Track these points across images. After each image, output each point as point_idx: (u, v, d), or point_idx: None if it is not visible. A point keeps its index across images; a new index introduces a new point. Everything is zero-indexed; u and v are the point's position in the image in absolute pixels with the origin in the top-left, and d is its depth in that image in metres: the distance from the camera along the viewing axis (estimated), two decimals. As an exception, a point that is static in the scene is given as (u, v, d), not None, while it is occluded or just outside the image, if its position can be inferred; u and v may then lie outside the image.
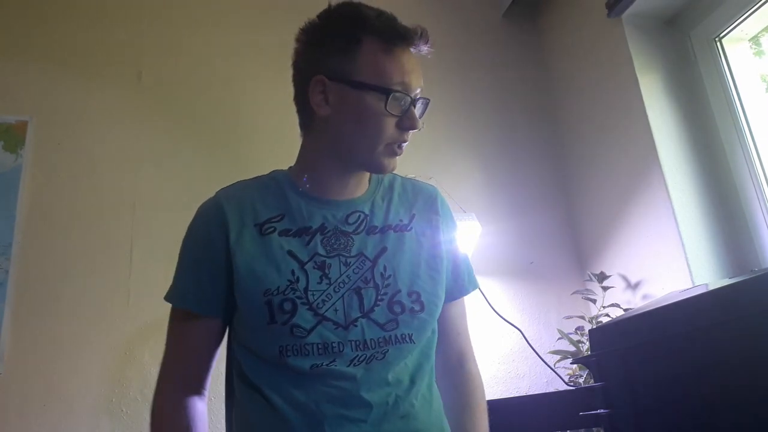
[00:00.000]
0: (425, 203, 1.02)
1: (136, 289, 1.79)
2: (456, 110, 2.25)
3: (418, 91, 0.91)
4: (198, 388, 0.93)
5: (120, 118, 1.98)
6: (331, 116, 0.90)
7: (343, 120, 0.90)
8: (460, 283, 1.03)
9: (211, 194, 1.00)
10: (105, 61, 2.04)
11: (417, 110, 0.92)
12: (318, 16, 0.93)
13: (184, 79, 2.08)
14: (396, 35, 0.88)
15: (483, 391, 1.03)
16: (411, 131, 0.91)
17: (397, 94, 0.87)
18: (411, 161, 2.06)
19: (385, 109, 0.87)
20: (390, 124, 0.88)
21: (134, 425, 1.67)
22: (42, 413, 1.63)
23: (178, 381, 0.92)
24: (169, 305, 0.96)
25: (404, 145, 0.92)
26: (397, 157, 0.93)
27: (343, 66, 0.88)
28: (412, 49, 0.90)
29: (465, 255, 1.07)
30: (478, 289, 1.76)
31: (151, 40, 2.10)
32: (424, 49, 0.92)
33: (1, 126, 1.87)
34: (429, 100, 0.93)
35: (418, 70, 0.90)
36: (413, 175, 2.04)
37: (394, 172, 1.04)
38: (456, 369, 1.02)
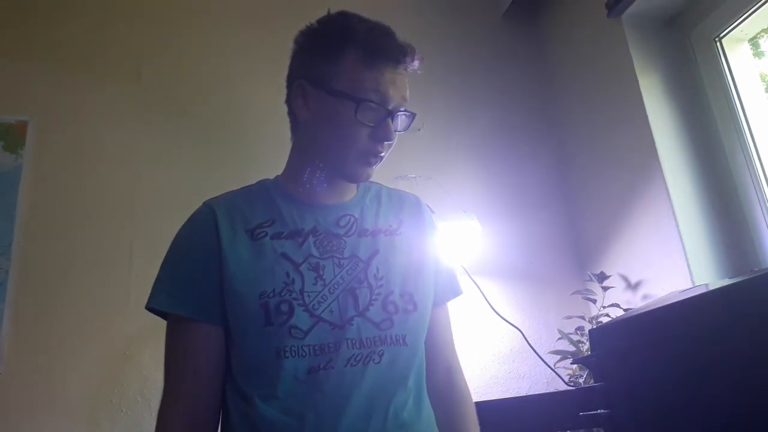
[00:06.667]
0: (411, 210, 1.04)
1: (136, 289, 1.79)
2: (456, 110, 2.25)
3: (398, 104, 0.92)
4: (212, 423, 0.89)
5: (120, 118, 1.98)
6: (309, 120, 0.94)
7: (318, 125, 0.93)
8: (443, 290, 1.04)
9: (211, 194, 1.00)
10: (105, 61, 2.04)
11: (399, 124, 0.93)
12: (317, 22, 0.96)
13: (184, 79, 2.08)
14: (379, 51, 0.90)
15: (472, 404, 1.03)
16: (386, 143, 0.92)
17: (371, 104, 0.89)
18: (412, 161, 2.06)
19: (356, 117, 0.88)
20: (362, 133, 0.90)
21: (134, 425, 1.67)
22: (42, 413, 1.63)
23: (188, 421, 0.87)
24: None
25: (381, 155, 0.93)
26: (372, 168, 0.94)
27: (324, 73, 0.91)
28: (400, 66, 0.91)
29: (447, 262, 1.08)
30: (478, 290, 1.80)
31: (151, 40, 2.10)
32: (413, 65, 0.93)
33: (1, 126, 1.87)
34: (414, 114, 0.94)
35: (399, 85, 0.91)
36: (414, 175, 2.06)
37: (381, 182, 1.07)
38: (444, 382, 1.02)
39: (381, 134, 0.90)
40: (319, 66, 0.92)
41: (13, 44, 1.98)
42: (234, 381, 0.88)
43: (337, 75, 0.90)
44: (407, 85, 0.94)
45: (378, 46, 0.90)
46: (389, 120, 0.90)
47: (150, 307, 0.91)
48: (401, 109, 0.92)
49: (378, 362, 0.86)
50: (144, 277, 1.78)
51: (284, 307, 0.85)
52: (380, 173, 0.98)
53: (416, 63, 0.94)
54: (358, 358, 0.85)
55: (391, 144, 0.93)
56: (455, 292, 1.07)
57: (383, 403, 0.85)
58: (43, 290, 1.75)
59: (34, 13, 2.04)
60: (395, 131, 0.92)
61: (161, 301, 0.90)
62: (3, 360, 1.66)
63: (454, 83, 2.28)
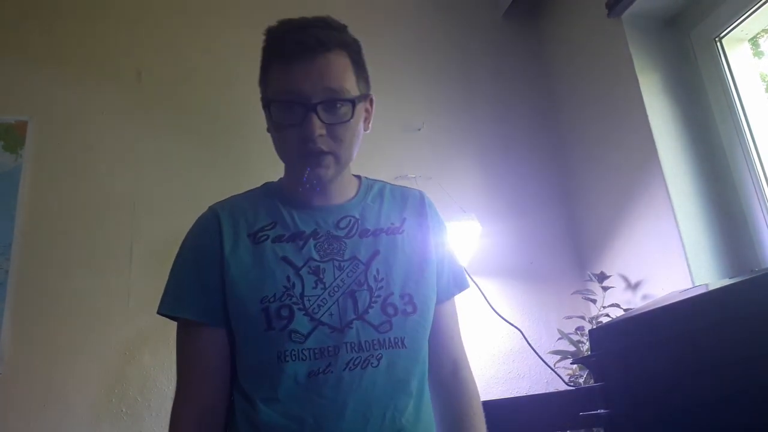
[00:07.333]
0: (414, 207, 1.03)
1: (136, 289, 1.79)
2: (456, 110, 2.25)
3: (325, 96, 0.87)
4: (218, 421, 0.90)
5: (120, 117, 1.98)
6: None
7: (272, 138, 0.94)
8: (446, 285, 1.03)
9: (211, 194, 1.02)
10: (105, 61, 2.04)
11: (340, 115, 0.88)
12: None
13: (184, 78, 2.08)
14: (281, 49, 0.88)
15: (479, 398, 1.03)
16: (317, 136, 0.87)
17: (286, 104, 0.88)
18: (412, 161, 2.07)
19: (279, 119, 0.89)
20: (291, 134, 0.88)
21: (134, 425, 1.67)
22: (42, 413, 1.63)
23: (198, 420, 0.89)
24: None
25: (324, 151, 0.88)
26: (321, 168, 0.89)
27: (262, 84, 0.94)
28: (308, 57, 0.87)
29: (452, 256, 1.07)
30: (478, 290, 1.80)
31: (151, 40, 2.10)
32: (330, 50, 0.88)
33: (1, 126, 1.87)
34: (350, 100, 0.88)
35: (316, 76, 0.86)
36: (414, 175, 2.06)
37: (385, 179, 1.07)
38: (450, 377, 1.01)
39: (305, 131, 0.87)
40: (259, 80, 0.95)
41: (13, 44, 1.98)
42: (238, 383, 0.90)
43: (267, 84, 0.92)
44: (339, 72, 0.89)
45: (281, 45, 0.89)
46: (311, 114, 0.86)
47: (160, 312, 0.93)
48: (330, 99, 0.87)
49: (376, 366, 0.86)
50: (144, 278, 1.80)
51: (284, 312, 0.86)
52: (380, 173, 0.98)
53: (340, 47, 0.89)
54: (356, 362, 0.86)
55: (337, 137, 0.88)
56: (460, 286, 1.06)
57: (380, 408, 0.85)
58: (43, 290, 1.75)
59: (34, 13, 2.04)
60: (331, 123, 0.88)
61: (170, 306, 0.92)
62: (3, 360, 1.66)
63: (454, 83, 2.28)
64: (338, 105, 0.88)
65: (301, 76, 0.87)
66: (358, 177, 1.05)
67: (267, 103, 0.91)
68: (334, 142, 0.89)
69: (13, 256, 1.75)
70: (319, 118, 0.87)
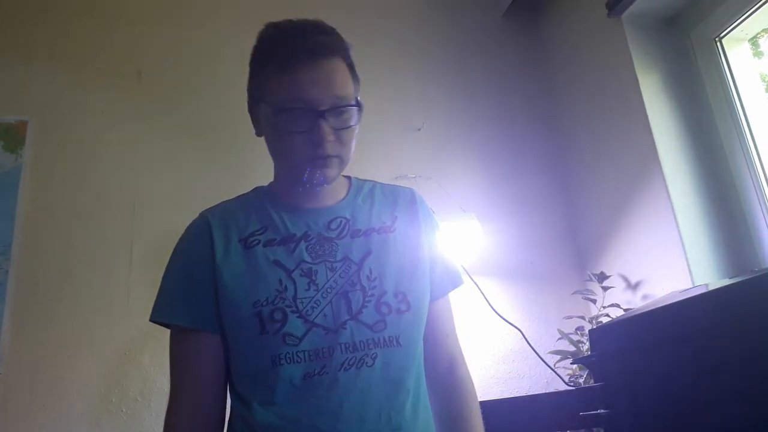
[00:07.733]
0: (405, 205, 1.03)
1: (136, 289, 1.79)
2: (456, 110, 2.25)
3: (331, 102, 0.88)
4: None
5: (120, 118, 1.98)
6: (264, 137, 0.96)
7: (268, 141, 0.95)
8: (440, 282, 1.03)
9: (210, 194, 1.02)
10: (105, 61, 2.04)
11: (346, 120, 0.90)
12: None
13: (184, 79, 2.08)
14: (288, 55, 0.87)
15: (475, 395, 1.02)
16: (327, 143, 0.87)
17: (296, 111, 0.87)
18: (412, 161, 2.07)
19: (285, 126, 0.88)
20: (299, 140, 0.88)
21: (134, 425, 1.67)
22: (42, 413, 1.63)
23: (193, 428, 0.89)
24: None
25: (330, 156, 0.89)
26: (327, 169, 0.90)
27: (258, 91, 0.93)
28: (314, 64, 0.87)
29: (445, 253, 1.06)
30: (478, 290, 1.80)
31: (151, 40, 2.10)
32: (333, 57, 0.89)
33: (1, 126, 1.87)
34: (355, 105, 0.90)
35: (323, 83, 0.87)
36: (414, 175, 2.06)
37: (381, 182, 1.07)
38: (446, 375, 1.01)
39: (315, 138, 0.87)
40: (253, 85, 0.94)
41: (13, 44, 1.99)
42: (233, 387, 0.90)
43: (265, 90, 0.91)
44: (342, 78, 0.90)
45: (286, 51, 0.88)
46: (320, 121, 0.87)
47: (153, 319, 0.93)
48: (337, 105, 0.88)
49: (371, 365, 0.86)
50: (144, 277, 1.80)
51: (278, 315, 0.86)
52: (380, 173, 0.98)
53: (340, 53, 0.90)
54: (351, 362, 0.85)
55: (343, 141, 0.90)
56: (454, 283, 1.06)
57: (376, 407, 0.85)
58: (43, 290, 1.75)
59: (34, 13, 2.04)
60: (338, 129, 0.89)
61: (162, 313, 0.92)
62: (3, 360, 1.66)
63: (454, 83, 2.28)
64: (344, 111, 0.90)
65: (308, 83, 0.87)
66: (348, 177, 1.05)
67: (277, 110, 0.88)
68: (340, 146, 0.90)
69: (13, 256, 1.75)
70: (329, 124, 0.88)
